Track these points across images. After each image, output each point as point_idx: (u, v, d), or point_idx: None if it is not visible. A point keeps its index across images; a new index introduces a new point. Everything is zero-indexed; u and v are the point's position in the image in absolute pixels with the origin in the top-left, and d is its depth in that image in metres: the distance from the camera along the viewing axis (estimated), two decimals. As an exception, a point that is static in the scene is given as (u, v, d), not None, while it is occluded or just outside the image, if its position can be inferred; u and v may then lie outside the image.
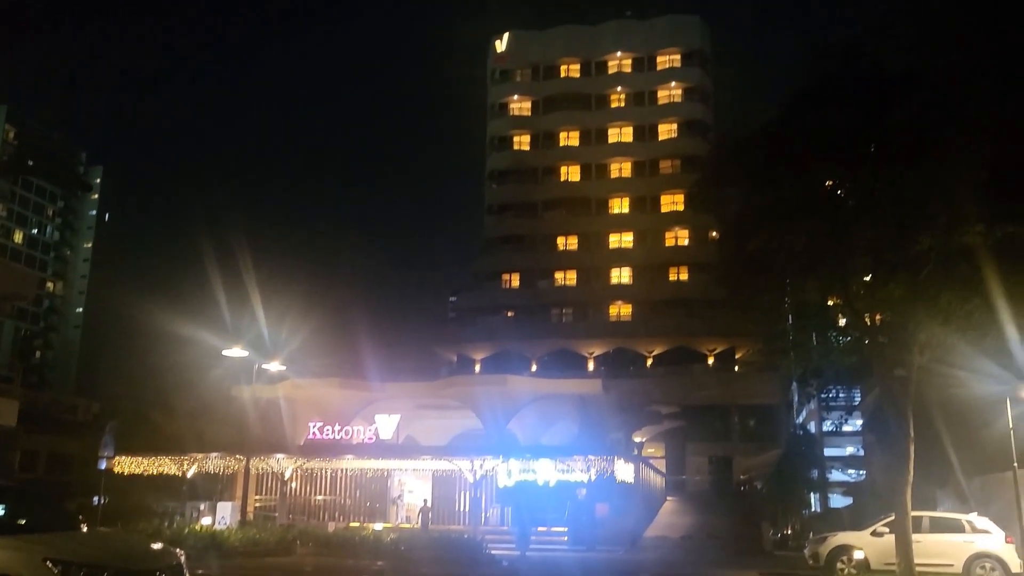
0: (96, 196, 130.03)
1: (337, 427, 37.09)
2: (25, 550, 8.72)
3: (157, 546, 11.12)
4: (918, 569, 18.73)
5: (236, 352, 30.00)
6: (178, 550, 10.80)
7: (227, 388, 41.40)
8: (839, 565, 21.20)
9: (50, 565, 8.51)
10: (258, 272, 45.63)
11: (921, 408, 20.70)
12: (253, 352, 30.91)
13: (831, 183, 20.70)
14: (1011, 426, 20.08)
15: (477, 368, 68.98)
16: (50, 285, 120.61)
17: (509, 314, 72.93)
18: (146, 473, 37.13)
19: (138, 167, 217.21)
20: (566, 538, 31.64)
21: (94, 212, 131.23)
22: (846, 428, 61.29)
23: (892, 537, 19.89)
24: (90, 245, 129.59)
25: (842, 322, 21.84)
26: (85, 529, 11.09)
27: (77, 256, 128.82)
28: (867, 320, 20.41)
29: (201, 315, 42.36)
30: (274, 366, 34.67)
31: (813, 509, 54.95)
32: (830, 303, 21.49)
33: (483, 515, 36.41)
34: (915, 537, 19.35)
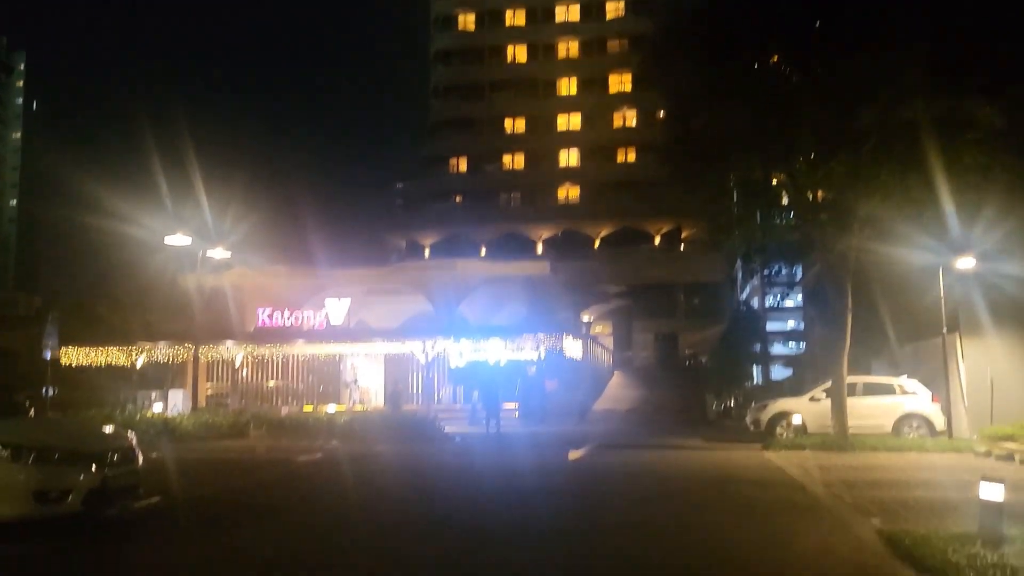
0: (21, 83, 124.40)
1: (287, 313, 37.12)
2: (-27, 436, 8.72)
3: (108, 429, 11.19)
4: (851, 430, 19.71)
5: (179, 239, 29.43)
6: (129, 432, 10.89)
7: (172, 277, 40.87)
8: (778, 429, 22.18)
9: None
10: (200, 160, 44.36)
11: (859, 282, 21.34)
12: (197, 239, 30.32)
13: (774, 61, 20.67)
14: (942, 294, 20.82)
15: (426, 254, 68.96)
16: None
17: (457, 199, 72.49)
18: (94, 364, 37.00)
19: (67, 53, 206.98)
20: (517, 414, 32.44)
21: (20, 100, 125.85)
22: (787, 303, 63.24)
23: (828, 402, 20.84)
24: (19, 135, 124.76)
25: (785, 200, 22.21)
26: (31, 415, 11.12)
27: (5, 147, 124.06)
28: (809, 197, 20.77)
29: (141, 204, 41.25)
30: (219, 253, 34.12)
31: (755, 381, 56.99)
32: (773, 182, 21.78)
33: (436, 395, 37.13)
34: (849, 401, 20.29)
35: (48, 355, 24.84)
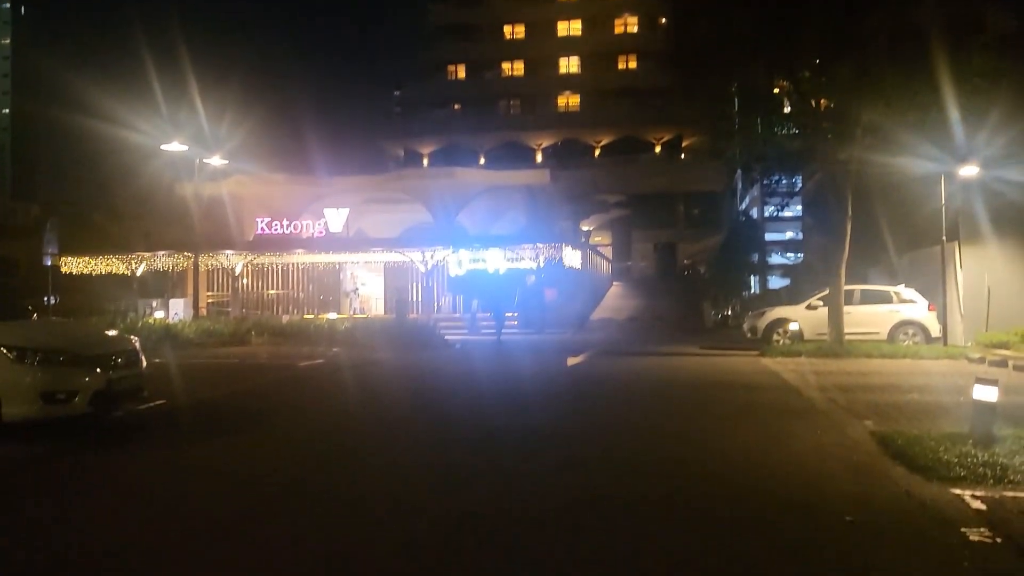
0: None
1: (285, 222, 37.05)
2: (-21, 338, 8.79)
3: (111, 333, 11.29)
4: (847, 337, 19.91)
5: (175, 146, 29.17)
6: (133, 336, 10.98)
7: (169, 186, 40.67)
8: (775, 337, 22.39)
9: (5, 351, 8.62)
10: (195, 65, 43.63)
11: (859, 191, 21.25)
12: (194, 146, 30.05)
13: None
14: (943, 202, 20.74)
15: (425, 162, 68.37)
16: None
17: (456, 107, 71.44)
18: (95, 273, 37.12)
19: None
20: (516, 322, 32.69)
21: (8, 5, 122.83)
22: (787, 213, 62.93)
23: (825, 310, 20.99)
24: (8, 41, 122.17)
25: (787, 109, 21.93)
26: (36, 319, 11.19)
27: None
28: (812, 104, 20.52)
29: (137, 110, 40.73)
30: (216, 161, 33.90)
31: (752, 290, 57.23)
32: (776, 89, 21.48)
33: (435, 304, 37.34)
34: (846, 309, 20.46)
35: (49, 263, 24.90)
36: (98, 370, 9.06)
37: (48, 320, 12.43)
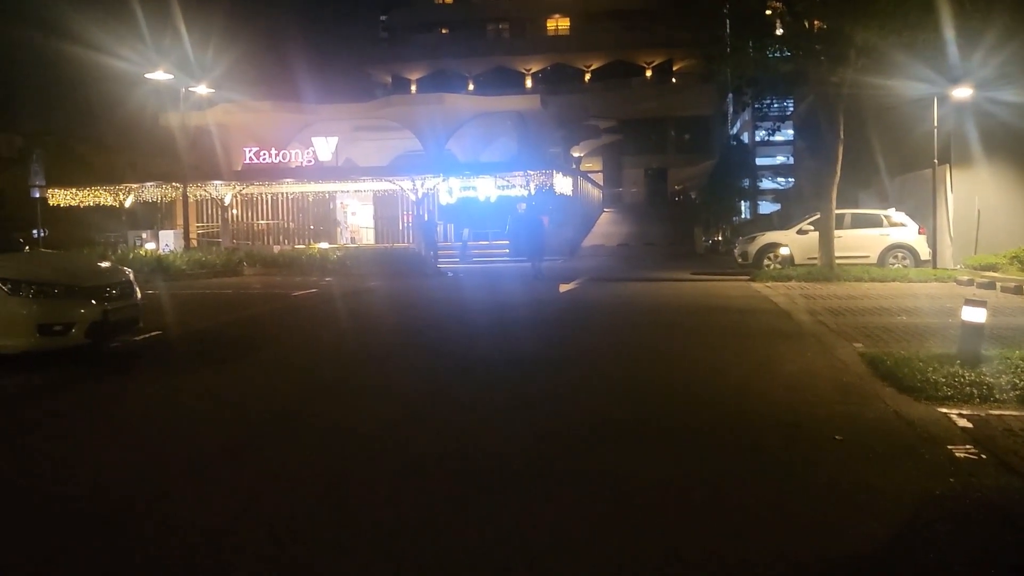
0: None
1: (274, 151, 36.71)
2: (-29, 271, 8.79)
3: (105, 264, 11.29)
4: (838, 261, 20.04)
5: (160, 75, 28.68)
6: (127, 268, 10.98)
7: (154, 115, 40.08)
8: (766, 261, 22.52)
9: (-1, 284, 8.63)
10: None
11: (851, 114, 21.16)
12: (179, 74, 29.55)
13: None
14: (935, 124, 20.67)
15: (413, 89, 67.44)
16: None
17: (444, 31, 70.16)
18: (83, 204, 36.83)
19: None
20: (508, 250, 32.71)
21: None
22: (778, 137, 62.53)
23: (815, 235, 21.08)
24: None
25: (779, 31, 21.65)
26: (28, 251, 11.17)
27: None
28: (805, 25, 20.25)
29: (119, 35, 39.80)
30: (202, 89, 33.37)
31: (743, 216, 57.24)
32: (768, 11, 21.17)
33: (423, 233, 37.23)
34: (837, 233, 20.55)
35: (36, 195, 24.69)
36: (93, 302, 9.10)
37: (41, 252, 12.40)
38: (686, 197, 63.81)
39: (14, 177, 44.46)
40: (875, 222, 22.49)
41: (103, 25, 41.18)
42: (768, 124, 60.08)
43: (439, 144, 39.51)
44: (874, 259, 21.65)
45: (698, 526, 4.16)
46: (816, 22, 20.27)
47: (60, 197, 35.99)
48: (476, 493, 4.69)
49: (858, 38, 18.51)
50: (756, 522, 4.20)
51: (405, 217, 37.89)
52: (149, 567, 3.76)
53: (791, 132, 54.55)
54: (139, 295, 10.16)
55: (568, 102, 51.62)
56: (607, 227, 45.46)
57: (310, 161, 36.47)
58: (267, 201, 38.47)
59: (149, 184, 36.01)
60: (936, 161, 21.03)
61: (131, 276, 10.23)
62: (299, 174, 36.33)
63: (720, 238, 44.86)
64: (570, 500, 4.59)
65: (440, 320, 14.17)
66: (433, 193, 35.28)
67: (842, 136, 20.05)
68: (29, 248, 11.97)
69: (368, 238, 40.33)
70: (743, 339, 10.64)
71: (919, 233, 21.90)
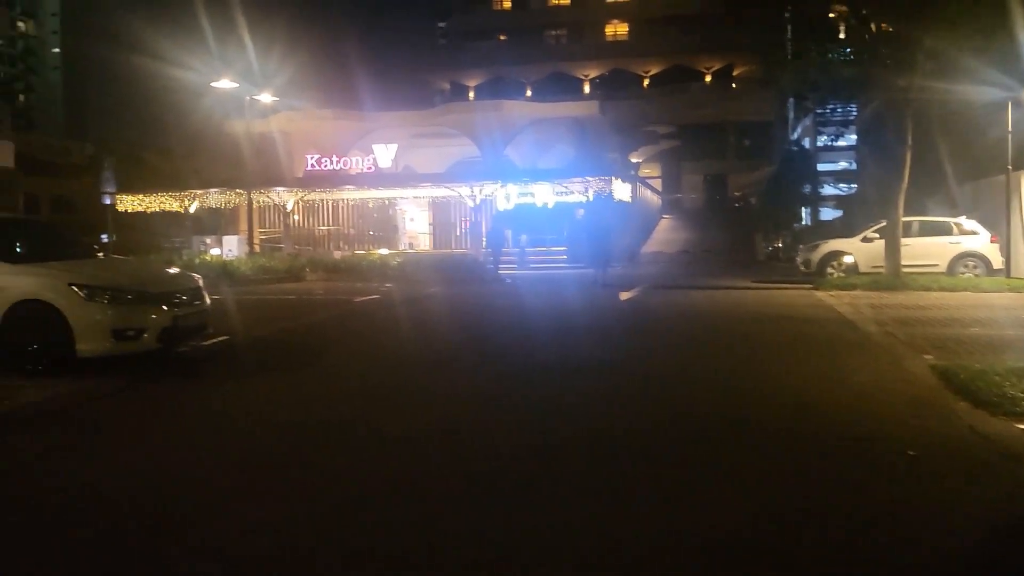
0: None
1: (335, 158, 37.21)
2: (52, 276, 9.06)
3: (174, 270, 11.56)
4: (904, 270, 19.58)
5: (225, 84, 29.31)
6: (196, 275, 11.23)
7: (219, 123, 40.98)
8: (829, 269, 22.10)
9: (75, 289, 8.87)
10: (243, 3, 43.52)
11: (919, 118, 20.65)
12: (243, 84, 30.16)
13: None
14: (1010, 129, 20.09)
15: (471, 95, 67.82)
16: (21, 25, 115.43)
17: (501, 38, 70.49)
18: (149, 210, 37.73)
19: None
20: (565, 256, 32.67)
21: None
22: (840, 143, 61.44)
23: (881, 242, 20.62)
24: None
25: (842, 34, 21.29)
26: (102, 257, 11.49)
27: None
28: (872, 29, 19.87)
29: (186, 47, 40.87)
30: (265, 97, 34.04)
31: (804, 222, 56.33)
32: (832, 14, 20.83)
33: (483, 239, 37.39)
34: (904, 241, 20.08)
35: (108, 201, 25.36)
36: (165, 307, 9.32)
37: (115, 259, 12.74)
38: (746, 203, 63.02)
39: (85, 184, 45.83)
40: (944, 230, 21.92)
41: (170, 37, 42.25)
42: (830, 129, 59.19)
43: (497, 150, 39.64)
44: (943, 268, 21.09)
45: (765, 531, 4.11)
46: (882, 26, 19.87)
47: (128, 203, 36.90)
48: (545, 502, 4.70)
49: (927, 42, 18.10)
50: (833, 536, 4.13)
51: (463, 223, 38.08)
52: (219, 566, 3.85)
53: (854, 137, 53.59)
54: (207, 301, 10.38)
55: (626, 108, 51.40)
56: (666, 233, 45.13)
57: (370, 168, 36.89)
58: (328, 207, 38.99)
59: (214, 190, 36.73)
60: (1010, 167, 20.43)
61: (200, 283, 10.44)
62: (359, 181, 36.75)
63: (781, 245, 44.21)
64: (642, 513, 4.56)
65: (501, 327, 14.22)
66: (491, 199, 35.39)
67: (910, 142, 19.60)
68: (103, 254, 12.32)
69: (425, 244, 40.62)
70: (808, 350, 10.47)
71: (991, 241, 21.28)
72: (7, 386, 8.06)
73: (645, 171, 59.08)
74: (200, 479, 5.32)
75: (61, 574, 3.88)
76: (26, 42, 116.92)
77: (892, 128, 20.22)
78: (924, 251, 21.16)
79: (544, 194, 34.15)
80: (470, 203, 34.85)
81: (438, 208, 39.53)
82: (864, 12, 19.39)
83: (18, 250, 10.00)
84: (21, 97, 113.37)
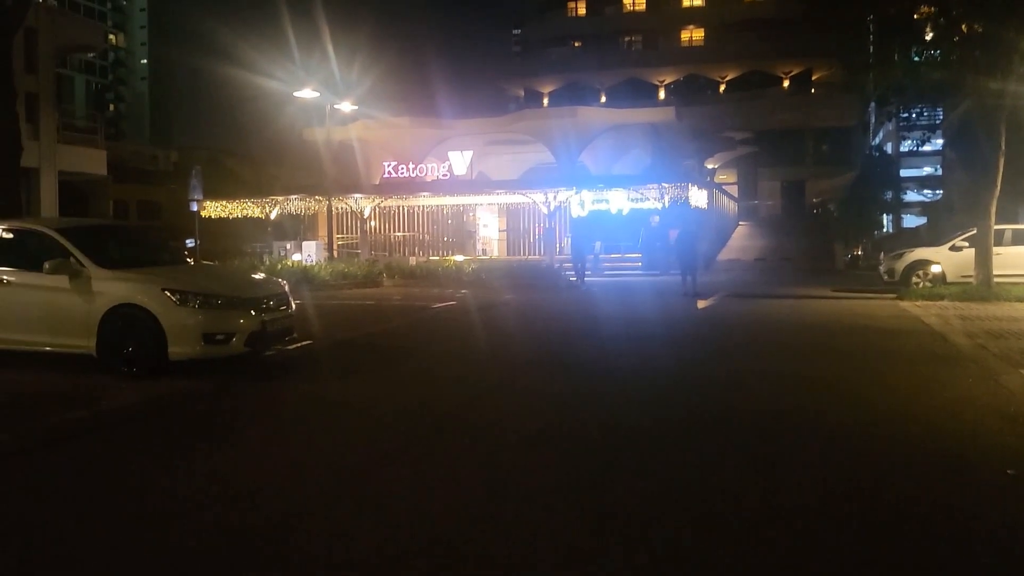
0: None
1: (411, 165, 37.73)
2: (145, 282, 9.39)
3: (261, 276, 11.86)
4: (996, 280, 18.94)
5: (307, 93, 30.01)
6: (282, 280, 11.50)
7: (299, 132, 41.92)
8: (914, 279, 21.48)
9: (168, 294, 9.17)
10: (323, 10, 44.50)
11: (1011, 123, 19.95)
12: (324, 93, 30.84)
13: None
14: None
15: (545, 102, 67.90)
16: (112, 37, 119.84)
17: (576, 44, 70.45)
18: (231, 216, 38.77)
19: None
20: (640, 264, 32.49)
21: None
22: (924, 148, 59.79)
23: (970, 251, 19.98)
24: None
25: (929, 36, 20.69)
26: (192, 264, 11.85)
27: (134, 5, 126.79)
28: (963, 30, 19.27)
29: (269, 59, 41.97)
30: (346, 106, 34.73)
31: (885, 230, 54.98)
32: (918, 15, 20.26)
33: (558, 245, 37.45)
34: (996, 250, 19.42)
35: (195, 208, 26.16)
36: (253, 312, 9.57)
37: (204, 265, 13.14)
38: (824, 210, 61.78)
39: (169, 191, 47.31)
40: (1039, 239, 21.14)
41: (253, 47, 43.35)
42: (915, 134, 57.67)
43: (571, 157, 39.64)
44: (1038, 279, 20.32)
45: (864, 556, 4.03)
46: (974, 27, 19.25)
47: (211, 209, 37.96)
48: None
49: (1021, 44, 17.51)
50: (933, 557, 4.03)
51: (537, 229, 38.19)
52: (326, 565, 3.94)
53: (940, 142, 52.09)
54: (293, 306, 10.62)
55: (702, 113, 50.88)
56: (742, 241, 44.48)
57: (445, 175, 37.33)
58: (403, 213, 39.54)
59: (294, 197, 37.57)
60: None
61: (286, 288, 10.70)
62: (435, 187, 37.20)
63: (861, 253, 43.25)
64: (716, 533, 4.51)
65: (578, 335, 14.19)
66: (565, 206, 35.42)
67: (1003, 147, 18.95)
68: (191, 260, 12.71)
69: (498, 250, 40.84)
70: (897, 363, 10.20)
71: (1088, 250, 20.44)
72: (107, 386, 8.39)
73: (721, 177, 58.32)
74: (332, 465, 5.52)
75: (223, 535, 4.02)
76: (116, 54, 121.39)
77: (983, 133, 19.57)
78: (1017, 261, 20.42)
79: (619, 201, 34.04)
80: (544, 209, 34.93)
81: (512, 214, 39.75)
82: (954, 13, 18.80)
83: (114, 256, 10.38)
84: (111, 107, 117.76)
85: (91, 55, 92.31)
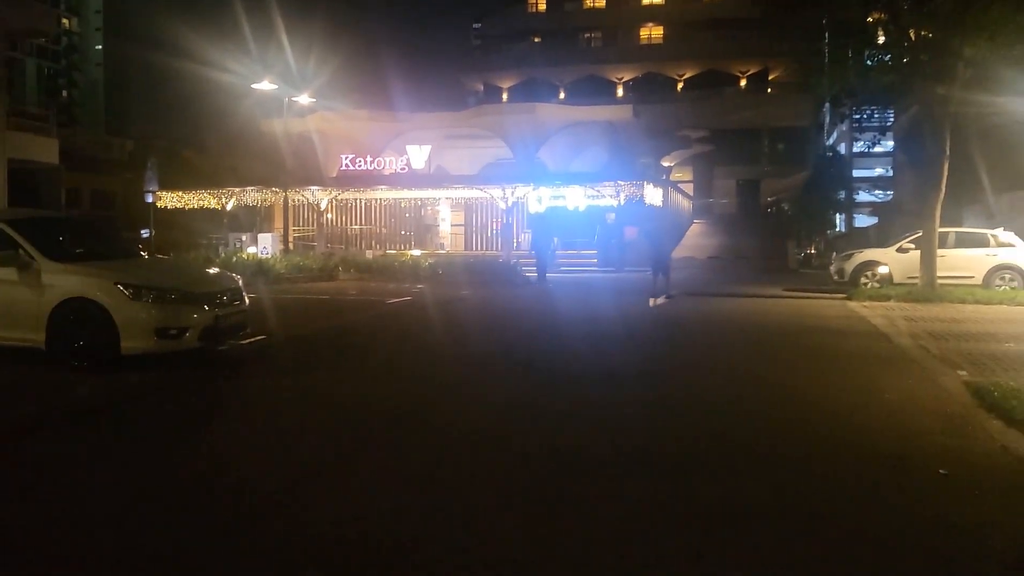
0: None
1: (369, 158, 37.58)
2: (98, 275, 9.34)
3: (214, 271, 11.79)
4: (940, 282, 19.42)
5: (265, 85, 29.74)
6: (236, 275, 11.46)
7: (257, 123, 41.52)
8: (863, 280, 21.93)
9: (121, 288, 9.12)
10: (280, 6, 44.13)
11: (957, 127, 20.45)
12: (282, 85, 30.59)
13: None
14: (1050, 142, 19.88)
15: (504, 97, 67.97)
16: (65, 22, 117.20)
17: (536, 39, 70.52)
18: (187, 207, 38.33)
19: None
20: (595, 260, 32.73)
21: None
22: (876, 149, 60.87)
23: (916, 253, 20.44)
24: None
25: (881, 40, 21.12)
26: (146, 257, 11.75)
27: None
28: (912, 36, 19.70)
29: (227, 50, 41.48)
30: (304, 99, 34.46)
31: (838, 229, 55.93)
32: (870, 19, 20.67)
33: (515, 241, 37.58)
34: (940, 252, 19.89)
35: (150, 199, 25.83)
36: (206, 307, 9.55)
37: (158, 259, 13.05)
38: (778, 209, 62.62)
39: (123, 180, 46.59)
40: (981, 242, 21.68)
41: (210, 38, 42.84)
42: (867, 135, 58.65)
43: (529, 153, 39.78)
44: (979, 280, 20.86)
45: (796, 553, 4.18)
46: (922, 33, 19.69)
47: (167, 199, 37.48)
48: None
49: (967, 51, 17.95)
50: (861, 554, 4.19)
51: (495, 224, 38.28)
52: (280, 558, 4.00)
53: (891, 143, 53.12)
54: (247, 301, 10.60)
55: (660, 112, 51.29)
56: (697, 239, 44.97)
57: (403, 168, 37.24)
58: (361, 207, 39.36)
59: (251, 188, 37.23)
60: (1050, 179, 20.22)
61: (240, 283, 10.67)
62: (392, 181, 37.08)
63: (814, 252, 43.98)
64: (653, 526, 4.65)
65: (532, 332, 14.30)
66: (522, 202, 35.54)
67: (947, 152, 19.42)
68: (145, 253, 12.60)
69: (456, 244, 40.87)
70: (841, 363, 10.47)
71: (1029, 254, 21.02)
72: (56, 382, 8.32)
73: (677, 175, 58.91)
74: (285, 462, 5.51)
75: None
76: (70, 39, 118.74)
77: (930, 137, 20.03)
78: (960, 263, 20.96)
79: (576, 197, 34.25)
80: (502, 205, 35.04)
81: (470, 209, 39.79)
82: (904, 19, 19.21)
83: (66, 248, 10.28)
84: (64, 93, 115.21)
85: (43, 40, 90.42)
